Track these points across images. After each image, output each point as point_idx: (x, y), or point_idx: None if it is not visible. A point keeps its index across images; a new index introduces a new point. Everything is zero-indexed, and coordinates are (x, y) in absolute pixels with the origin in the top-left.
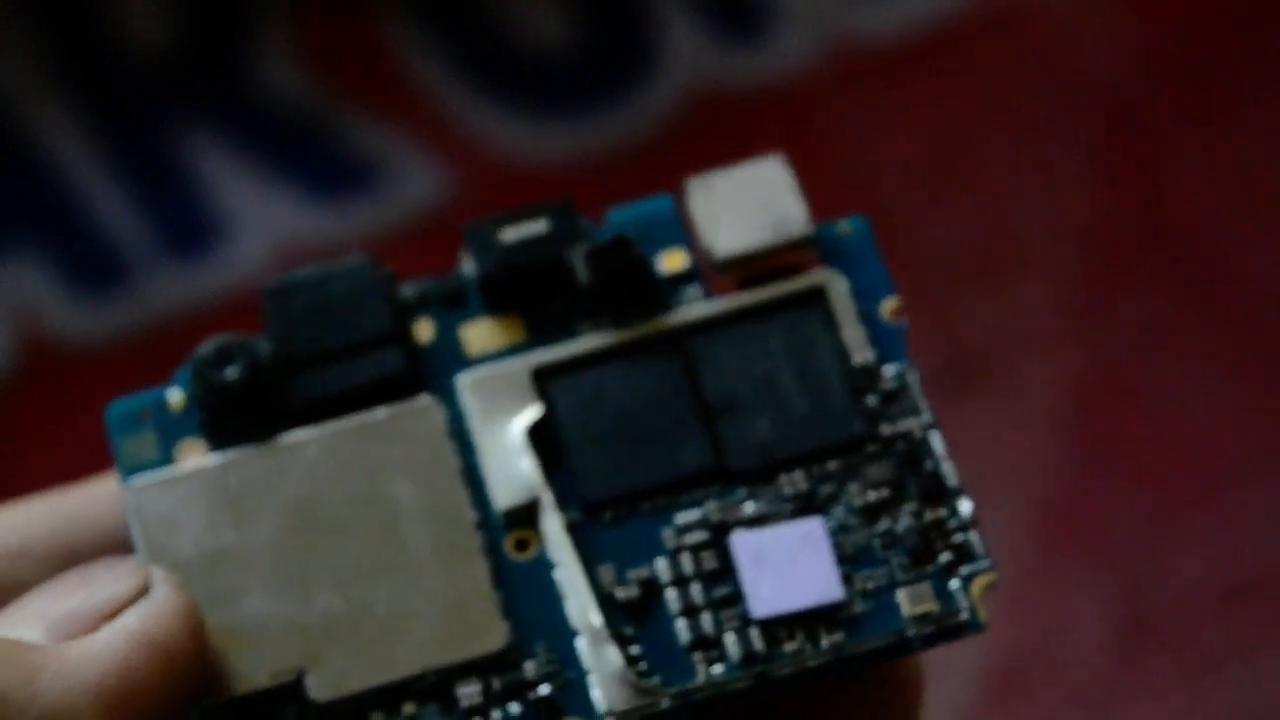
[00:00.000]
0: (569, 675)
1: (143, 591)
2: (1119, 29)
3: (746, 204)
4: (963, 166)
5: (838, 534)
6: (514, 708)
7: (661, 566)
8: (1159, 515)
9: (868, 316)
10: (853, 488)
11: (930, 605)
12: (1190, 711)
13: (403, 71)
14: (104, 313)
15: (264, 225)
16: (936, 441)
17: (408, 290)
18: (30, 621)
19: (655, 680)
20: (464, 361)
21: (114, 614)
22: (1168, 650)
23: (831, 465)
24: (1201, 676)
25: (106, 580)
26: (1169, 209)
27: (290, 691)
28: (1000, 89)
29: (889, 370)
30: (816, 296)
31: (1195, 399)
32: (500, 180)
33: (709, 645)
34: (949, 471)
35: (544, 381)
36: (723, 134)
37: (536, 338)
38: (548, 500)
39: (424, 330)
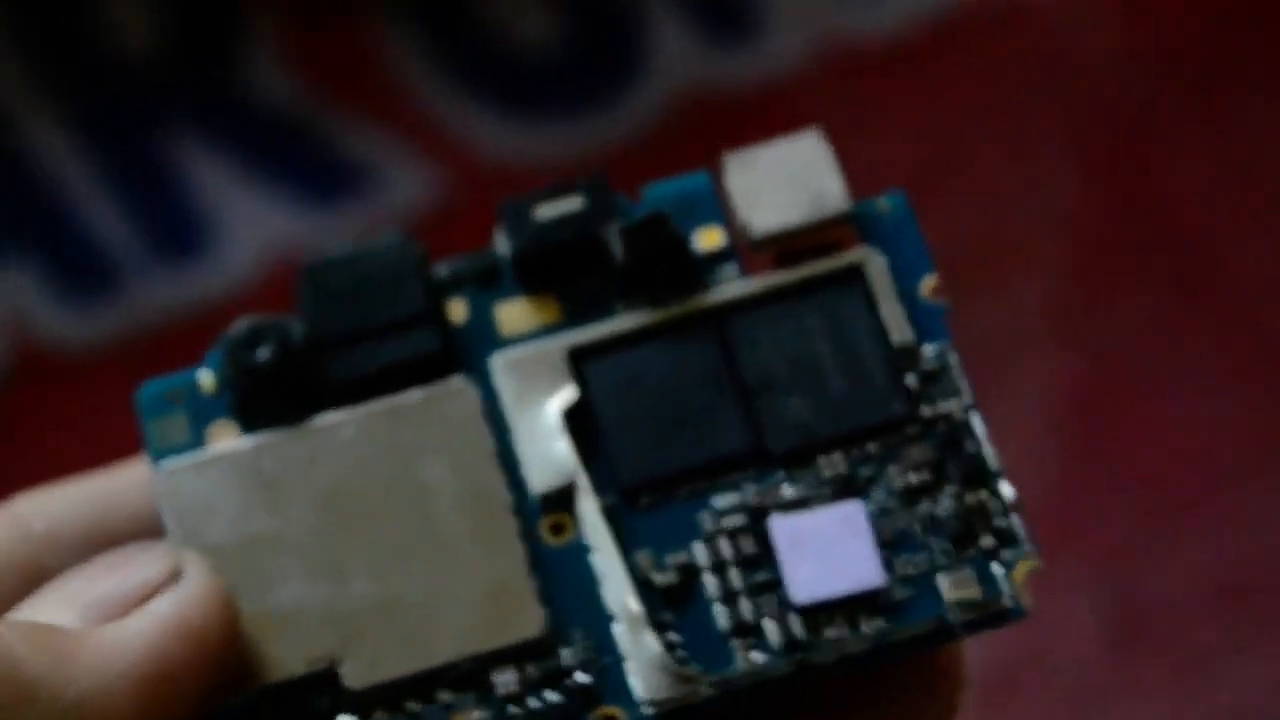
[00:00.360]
0: (606, 662)
1: (176, 576)
2: (1114, 28)
3: (784, 180)
4: (956, 167)
5: (878, 517)
6: (551, 696)
7: (699, 551)
8: (1152, 516)
9: (907, 295)
10: (893, 470)
11: (973, 591)
12: (1182, 711)
13: (392, 75)
14: (94, 318)
15: (254, 229)
16: (978, 423)
17: (441, 269)
18: (62, 606)
19: (694, 668)
20: (498, 341)
21: (147, 598)
22: (1160, 650)
23: (871, 447)
24: (1194, 676)
25: (139, 564)
26: (1165, 209)
27: (324, 679)
28: (994, 88)
29: (929, 350)
30: (855, 274)
31: (1190, 399)
32: (490, 183)
33: (748, 632)
34: (990, 454)
35: (579, 362)
36: (713, 135)
37: (571, 317)
38: (584, 484)
39: (457, 310)
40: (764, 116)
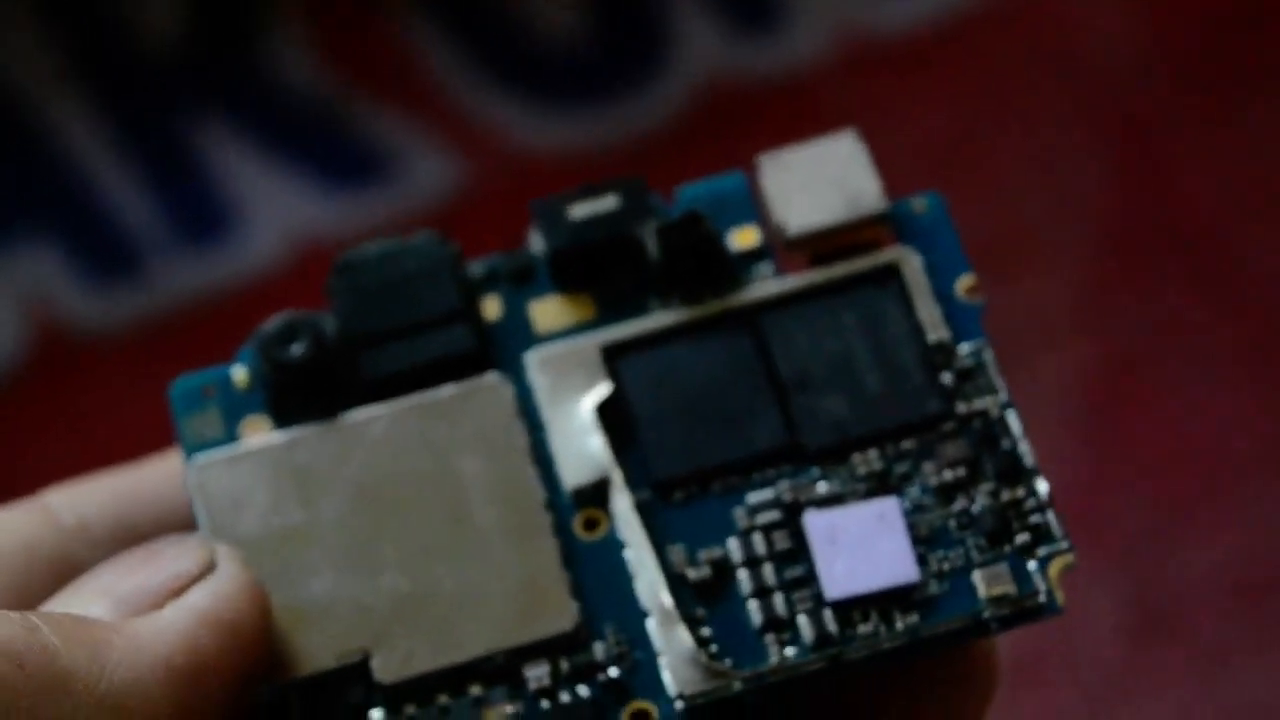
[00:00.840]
0: (638, 657)
1: (209, 568)
2: (1130, 23)
3: (820, 180)
4: (974, 160)
5: (913, 514)
6: (583, 690)
7: (733, 547)
8: (1169, 510)
9: (943, 294)
10: (928, 467)
11: (1007, 587)
12: (1200, 705)
13: (416, 63)
14: (116, 301)
15: (277, 215)
16: (1013, 420)
17: (475, 267)
18: (96, 597)
19: (727, 662)
20: (532, 339)
21: (180, 591)
22: (1178, 644)
23: (906, 444)
24: (1211, 670)
25: (172, 557)
26: (1180, 203)
27: (356, 672)
28: (1011, 82)
29: (964, 348)
30: (891, 274)
31: (1206, 393)
32: (513, 172)
33: (781, 627)
34: (1026, 451)
35: (614, 359)
36: (734, 126)
37: (606, 315)
38: (617, 479)
39: (492, 307)
40: (785, 107)
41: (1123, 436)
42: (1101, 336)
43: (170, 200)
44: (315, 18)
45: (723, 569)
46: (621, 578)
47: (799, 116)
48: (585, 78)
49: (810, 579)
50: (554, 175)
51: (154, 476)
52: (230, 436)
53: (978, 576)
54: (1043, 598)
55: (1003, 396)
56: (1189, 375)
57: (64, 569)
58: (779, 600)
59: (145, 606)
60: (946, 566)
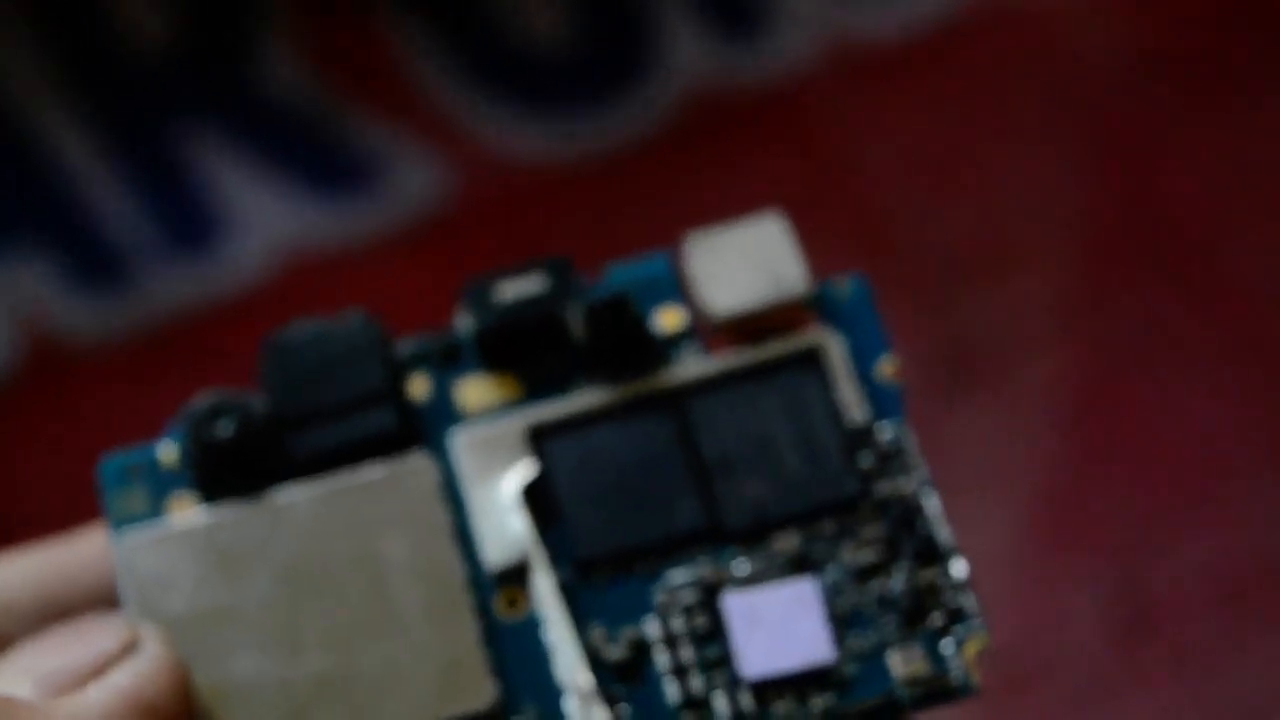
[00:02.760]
0: None
1: (132, 648)
2: (1116, 29)
3: (745, 262)
4: (961, 165)
5: (831, 594)
6: None
7: (652, 626)
8: (1155, 511)
9: (864, 375)
10: (846, 548)
11: (922, 667)
12: (1185, 705)
13: (404, 71)
14: (108, 311)
15: (266, 223)
16: (931, 502)
17: (403, 347)
18: (19, 677)
19: None
20: (459, 418)
21: (103, 670)
22: (1163, 645)
23: (825, 525)
24: (1197, 671)
25: (96, 636)
26: (1165, 208)
27: None
28: (998, 88)
29: (884, 430)
30: (813, 356)
31: (1191, 395)
32: (499, 178)
33: (699, 706)
34: (943, 532)
35: (539, 440)
36: (722, 132)
37: (532, 394)
38: (539, 559)
39: (419, 386)
40: (772, 114)
41: (1107, 439)
42: (1087, 339)
43: (160, 209)
44: (305, 28)
45: (641, 648)
46: (541, 656)
47: (786, 123)
48: (573, 86)
49: (728, 658)
50: (541, 183)
51: (79, 552)
52: (157, 512)
53: (893, 657)
54: (957, 678)
55: (921, 478)
56: (1174, 378)
57: None
58: (696, 679)
59: (69, 687)
60: (863, 646)
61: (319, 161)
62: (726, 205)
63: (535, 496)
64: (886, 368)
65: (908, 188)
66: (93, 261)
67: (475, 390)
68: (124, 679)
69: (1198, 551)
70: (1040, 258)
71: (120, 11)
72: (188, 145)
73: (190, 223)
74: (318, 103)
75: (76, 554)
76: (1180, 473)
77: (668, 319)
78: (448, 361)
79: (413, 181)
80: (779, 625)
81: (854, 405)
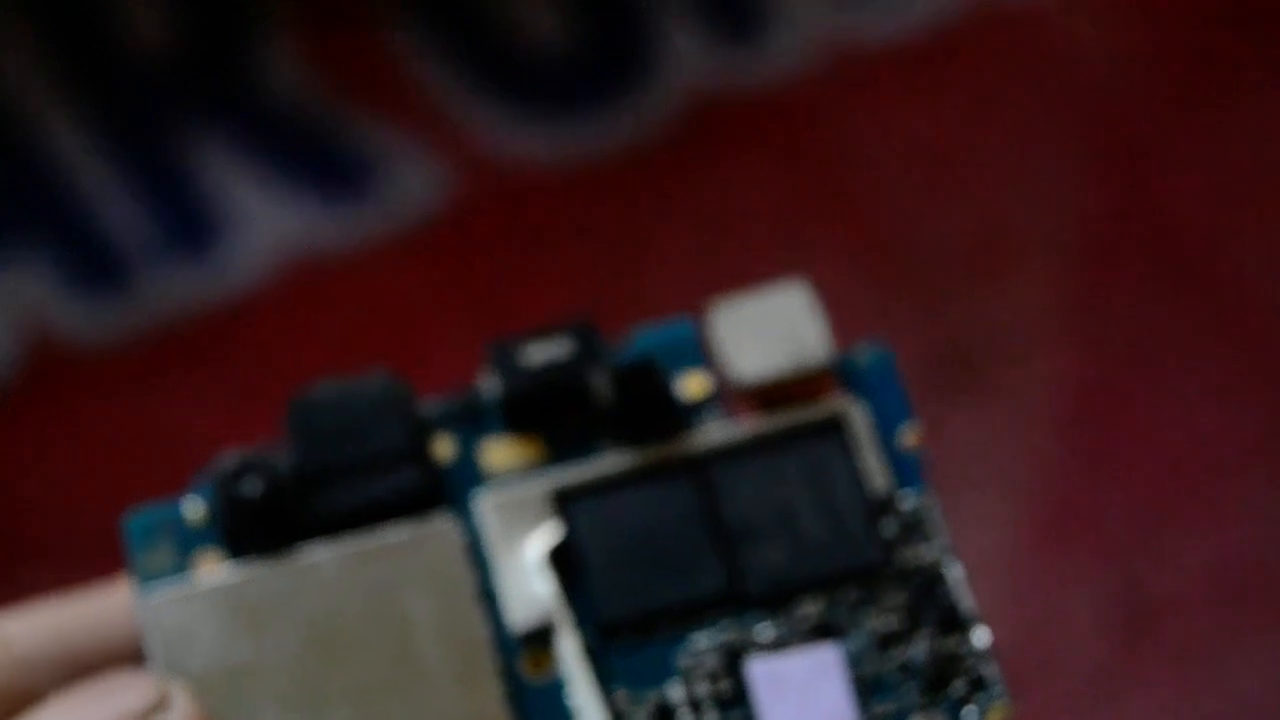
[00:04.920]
0: None
1: (162, 705)
2: (1115, 31)
3: (769, 330)
4: (960, 165)
5: (853, 661)
6: None
7: (676, 690)
8: (1154, 512)
9: (887, 444)
10: (869, 615)
11: None
12: (1185, 705)
13: (405, 73)
14: (109, 315)
15: (267, 225)
16: (953, 570)
17: (429, 408)
18: None
19: None
20: (483, 479)
21: None
22: (1163, 645)
23: (848, 592)
24: (1197, 671)
25: (125, 693)
26: (1164, 208)
27: None
28: (997, 89)
29: (906, 499)
30: (836, 424)
31: (1191, 396)
32: (500, 180)
33: None
34: (965, 601)
35: (564, 503)
36: (721, 136)
37: (556, 457)
38: (564, 622)
39: (444, 447)
40: (772, 117)
41: (1107, 439)
42: (1087, 339)
43: (161, 212)
44: (306, 29)
45: (665, 712)
46: (565, 718)
47: (785, 126)
48: (574, 89)
49: None
50: (542, 185)
51: (105, 606)
52: (182, 569)
53: None
54: None
55: (943, 547)
56: (1174, 378)
57: (14, 698)
58: None
59: None
60: (886, 714)
61: (320, 163)
62: (726, 206)
63: (560, 559)
64: (908, 436)
65: (907, 188)
66: (93, 265)
67: (500, 452)
68: None
69: (1198, 551)
70: (1040, 258)
71: (120, 13)
72: (188, 147)
73: (191, 225)
74: (319, 104)
75: (101, 608)
76: (1180, 473)
77: (692, 385)
78: (472, 423)
79: (413, 183)
80: (803, 691)
81: (876, 473)
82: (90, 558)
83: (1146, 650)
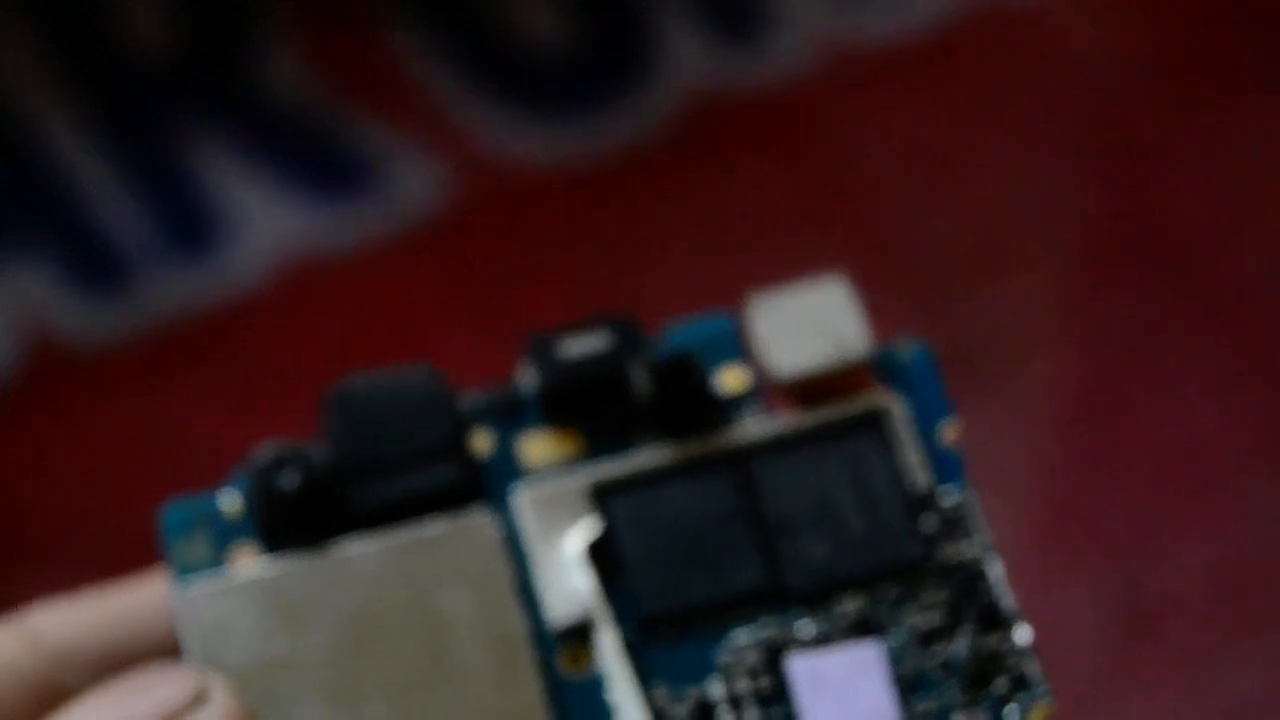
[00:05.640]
0: None
1: (200, 699)
2: (1114, 31)
3: (808, 324)
4: (960, 165)
5: (894, 658)
6: None
7: (716, 687)
8: (1154, 512)
9: (927, 440)
10: (909, 612)
11: None
12: (1185, 705)
13: (405, 74)
14: (109, 315)
15: (267, 225)
16: (994, 567)
17: (466, 402)
18: None
19: None
20: (521, 473)
21: None
22: (1163, 645)
23: (888, 588)
24: (1197, 671)
25: (163, 687)
26: (1164, 208)
27: None
28: (997, 91)
29: (947, 494)
30: (876, 419)
31: (1191, 396)
32: (500, 182)
33: None
34: (1006, 598)
35: (602, 498)
36: (721, 135)
37: (594, 451)
38: (603, 617)
39: (482, 441)
40: (772, 118)
41: (1107, 439)
42: (1087, 339)
43: (161, 212)
44: (306, 30)
45: (705, 709)
46: (604, 715)
47: (786, 126)
48: (574, 89)
49: None
50: (542, 185)
51: (140, 599)
52: (218, 562)
53: None
54: None
55: (984, 544)
56: (1174, 378)
57: (47, 694)
58: None
59: None
60: (928, 711)
61: (320, 163)
62: (726, 206)
63: (599, 554)
64: (949, 432)
65: (907, 188)
66: (93, 265)
67: (538, 446)
68: None
69: (1198, 551)
70: (1040, 258)
71: (120, 13)
72: (188, 147)
73: (191, 226)
74: (319, 104)
75: (137, 602)
76: (1180, 473)
77: (730, 379)
78: (510, 417)
79: (413, 184)
80: (844, 688)
81: (917, 469)
82: (90, 557)
83: (1146, 650)
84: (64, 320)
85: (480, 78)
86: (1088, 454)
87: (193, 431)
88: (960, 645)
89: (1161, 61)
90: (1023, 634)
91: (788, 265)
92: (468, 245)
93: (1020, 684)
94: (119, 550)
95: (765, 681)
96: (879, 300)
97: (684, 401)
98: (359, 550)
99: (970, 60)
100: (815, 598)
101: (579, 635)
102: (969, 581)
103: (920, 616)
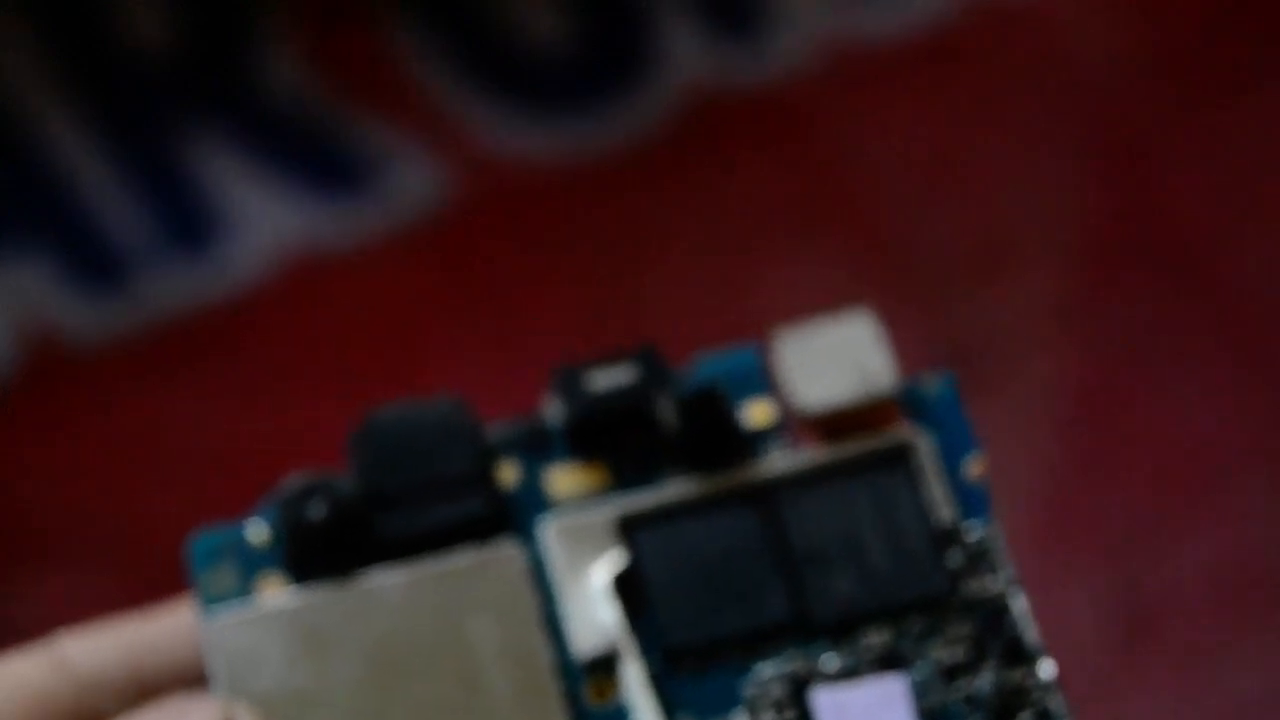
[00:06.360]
0: None
1: None
2: (1115, 30)
3: (834, 358)
4: (960, 165)
5: (919, 692)
6: None
7: (741, 719)
8: (1154, 511)
9: (952, 474)
10: (934, 646)
11: None
12: (1185, 705)
13: (405, 73)
14: (108, 314)
15: (266, 223)
16: (1018, 601)
17: (493, 433)
18: None
19: None
20: (548, 505)
21: None
22: (1163, 645)
23: (913, 622)
24: (1197, 671)
25: (192, 715)
26: (1164, 208)
27: None
28: (997, 89)
29: (971, 529)
30: (901, 454)
31: (1191, 396)
32: (500, 182)
33: None
34: (1030, 633)
35: (629, 530)
36: (721, 134)
37: (620, 483)
38: (629, 649)
39: (508, 473)
40: (772, 116)
41: (1107, 439)
42: (1087, 339)
43: (160, 211)
44: (306, 30)
45: None
46: None
47: (785, 124)
48: (573, 87)
49: None
50: (541, 183)
51: (166, 628)
52: (245, 592)
53: None
54: None
55: (1008, 579)
56: (1174, 378)
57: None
58: None
59: None
60: None
61: (320, 163)
62: (726, 206)
63: (625, 586)
64: (974, 467)
65: (907, 188)
66: (93, 264)
67: (564, 478)
68: None
69: (1197, 552)
70: (1040, 258)
71: (120, 13)
72: (187, 146)
73: (190, 224)
74: (317, 103)
75: (164, 630)
76: (1180, 473)
77: (756, 413)
78: (536, 449)
79: (412, 182)
80: None
81: (942, 504)
82: (90, 557)
83: (1146, 650)
84: (64, 319)
85: (480, 77)
86: (1088, 454)
87: (193, 430)
88: (984, 680)
89: (1161, 61)
90: (1047, 669)
91: (788, 265)
92: (468, 244)
93: (1044, 718)
94: (119, 550)
95: (790, 714)
96: (879, 300)
97: (710, 435)
98: (386, 581)
99: (970, 60)
100: (840, 631)
101: (605, 667)
102: (993, 616)
103: (945, 651)
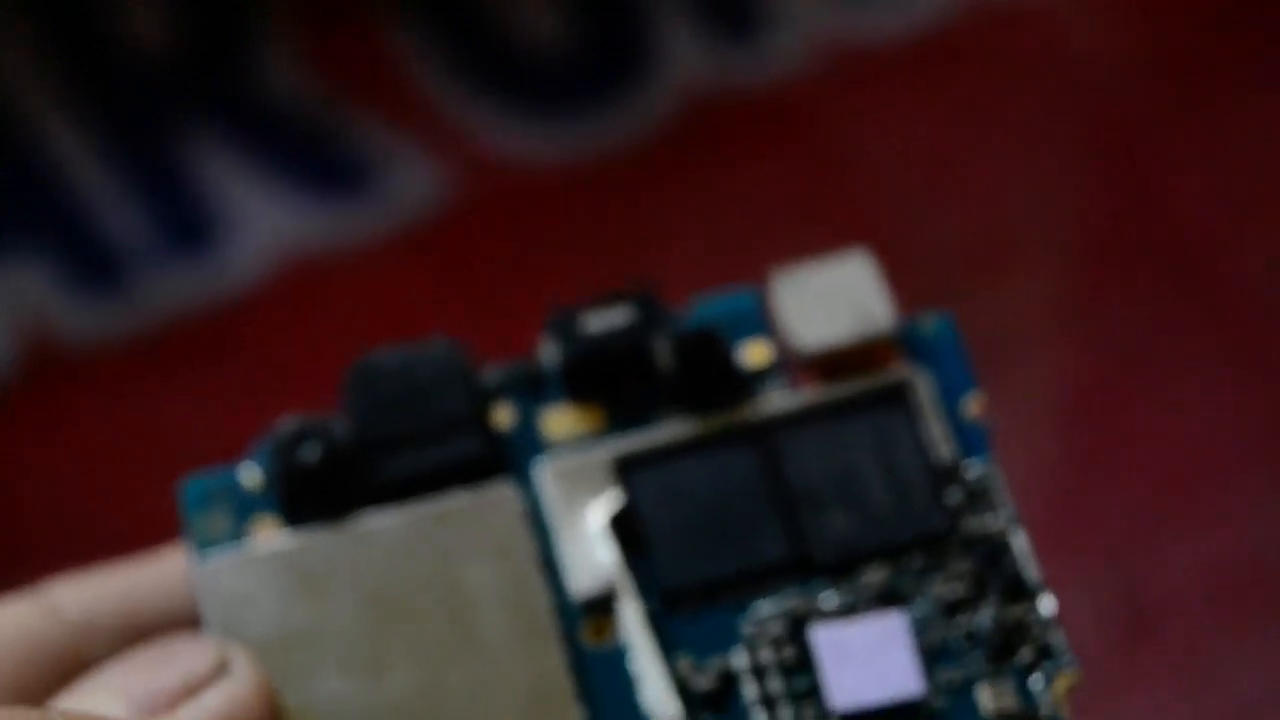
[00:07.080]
0: None
1: (222, 669)
2: (1115, 29)
3: (832, 299)
4: (960, 165)
5: (919, 629)
6: None
7: (739, 657)
8: (1154, 511)
9: (951, 413)
10: (934, 583)
11: (1011, 702)
12: (1184, 705)
13: (405, 73)
14: (107, 314)
15: (265, 225)
16: (1018, 539)
17: (488, 376)
18: (112, 697)
19: None
20: (543, 447)
21: (195, 692)
22: (1163, 645)
23: (913, 560)
24: (1197, 671)
25: (185, 657)
26: (1165, 207)
27: None
28: (997, 88)
29: (971, 467)
30: (900, 392)
31: (1192, 396)
32: (498, 179)
33: None
34: (1030, 569)
35: (625, 471)
36: (720, 135)
37: (616, 425)
38: (626, 589)
39: (503, 415)
40: (771, 116)
41: (1107, 439)
42: (1087, 339)
43: (159, 212)
44: (306, 30)
45: (729, 679)
46: (628, 685)
47: (785, 125)
48: (572, 88)
49: (816, 690)
50: (541, 184)
51: (160, 572)
52: (238, 535)
53: (982, 691)
54: (1046, 713)
55: (1008, 516)
56: (1174, 378)
57: (68, 665)
58: (785, 710)
59: (160, 707)
60: (952, 681)
61: (320, 163)
62: (726, 206)
63: (621, 527)
64: (973, 406)
65: (906, 188)
66: (92, 265)
67: (559, 420)
68: (216, 701)
69: (1198, 551)
70: (1040, 258)
71: (120, 13)
72: (186, 147)
73: (190, 225)
74: (316, 104)
75: (157, 574)
76: (1180, 473)
77: (753, 353)
78: (532, 391)
79: (411, 183)
80: (868, 658)
81: (941, 442)
82: (90, 557)
83: (1146, 650)
84: (63, 320)
85: (480, 78)
86: (1087, 453)
87: (192, 431)
88: (984, 616)
89: (1161, 61)
90: (1047, 604)
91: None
92: (467, 244)
93: (1045, 653)
94: (119, 550)
95: (789, 652)
96: None
97: (706, 375)
98: (381, 523)
99: (970, 60)
100: (839, 569)
101: (602, 607)
102: (993, 553)
103: (945, 587)
